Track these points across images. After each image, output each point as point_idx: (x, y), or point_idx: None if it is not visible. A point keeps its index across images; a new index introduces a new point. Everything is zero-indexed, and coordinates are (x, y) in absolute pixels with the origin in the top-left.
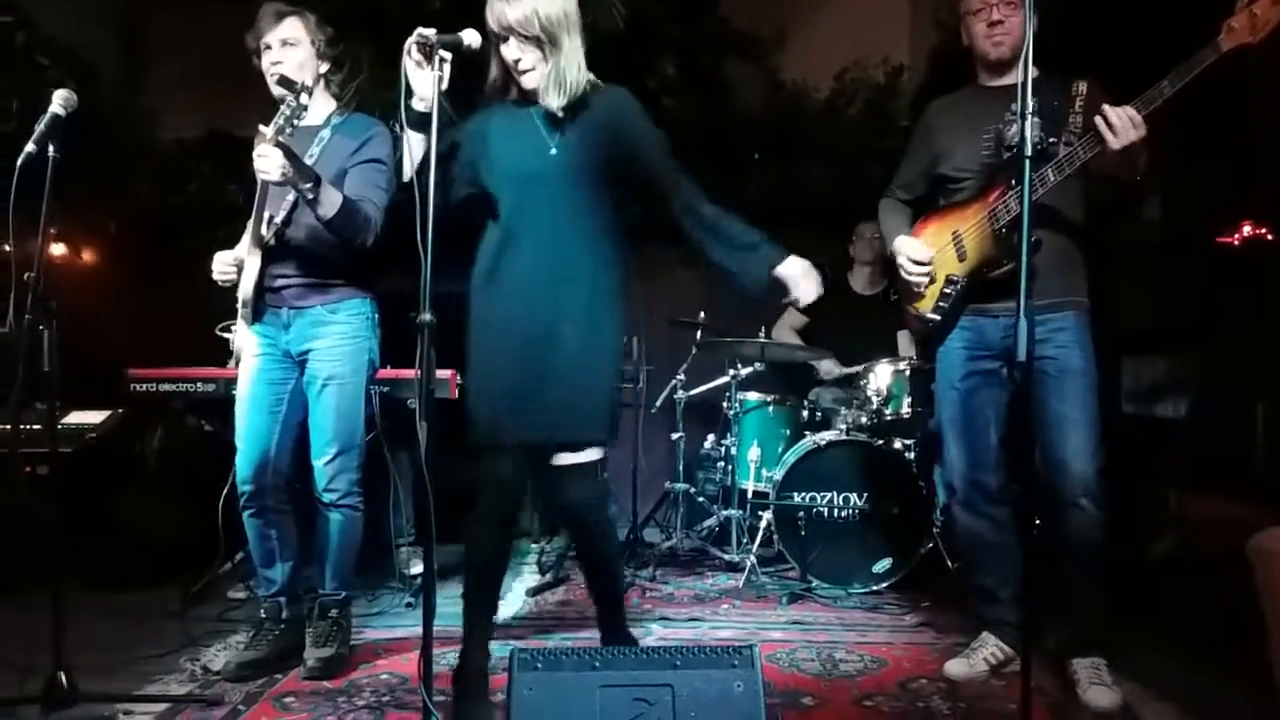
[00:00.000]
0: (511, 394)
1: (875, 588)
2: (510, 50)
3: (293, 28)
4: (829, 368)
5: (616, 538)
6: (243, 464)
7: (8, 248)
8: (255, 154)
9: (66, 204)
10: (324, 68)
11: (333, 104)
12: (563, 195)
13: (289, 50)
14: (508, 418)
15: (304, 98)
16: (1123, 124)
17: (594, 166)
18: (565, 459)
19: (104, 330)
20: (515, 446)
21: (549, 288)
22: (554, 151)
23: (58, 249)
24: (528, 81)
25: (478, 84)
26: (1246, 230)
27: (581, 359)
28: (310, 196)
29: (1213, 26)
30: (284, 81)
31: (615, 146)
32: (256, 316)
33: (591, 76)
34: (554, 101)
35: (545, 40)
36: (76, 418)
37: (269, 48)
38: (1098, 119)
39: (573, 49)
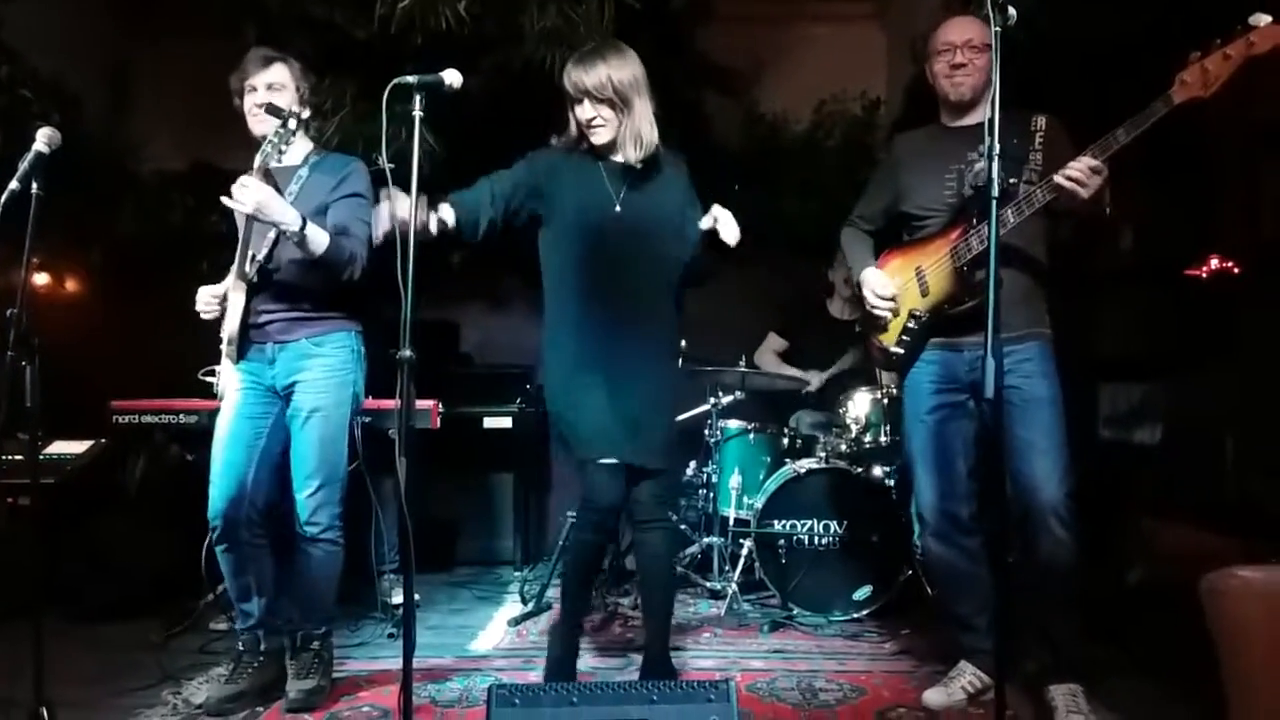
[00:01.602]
0: (601, 420)
1: (856, 615)
2: (585, 110)
3: (280, 73)
4: (813, 380)
5: (675, 541)
6: (216, 498)
7: None
8: (236, 186)
9: (49, 234)
10: (306, 113)
11: (309, 145)
12: (627, 247)
13: (274, 94)
14: (600, 439)
15: (291, 123)
16: (1087, 175)
17: (653, 223)
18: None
19: (86, 360)
20: (610, 465)
21: (622, 326)
22: (619, 209)
23: (40, 278)
24: (599, 136)
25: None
26: (1214, 264)
27: (647, 394)
28: (296, 240)
29: (1168, 65)
30: (272, 109)
31: (670, 208)
32: (241, 354)
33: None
34: (631, 155)
35: (618, 101)
36: (58, 448)
37: (254, 90)
38: (1063, 180)
39: (644, 108)
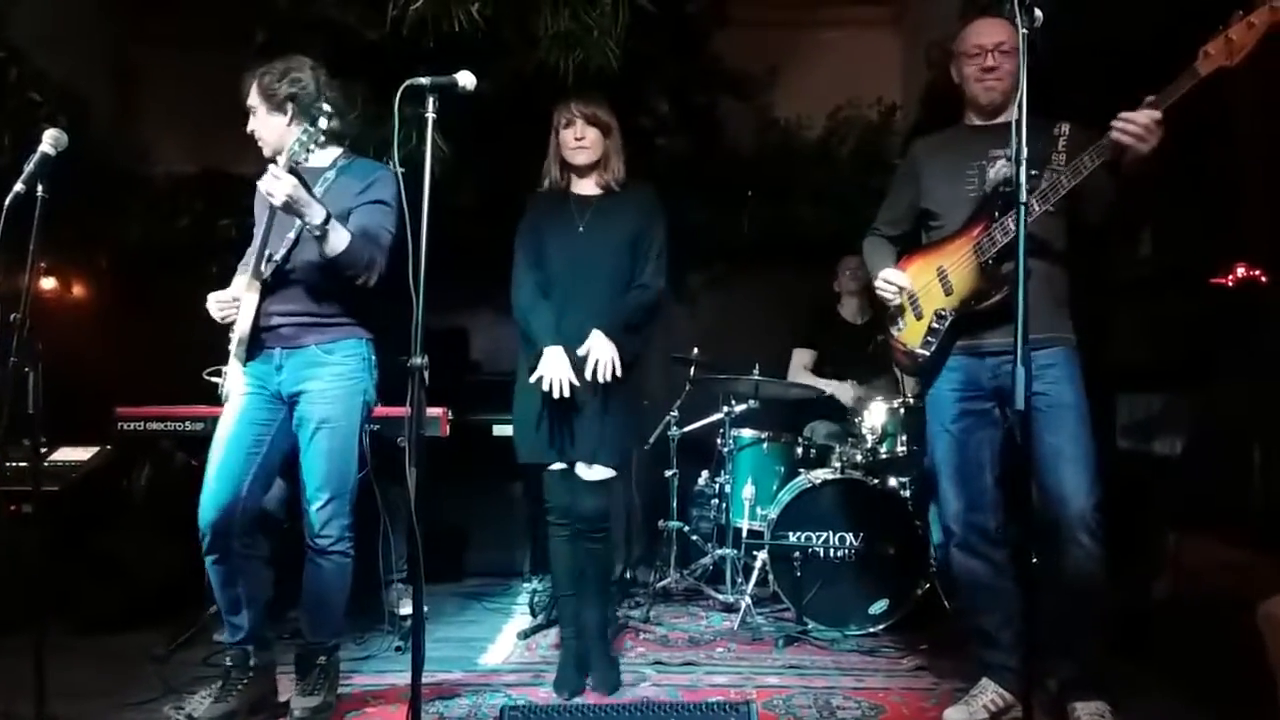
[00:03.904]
0: (542, 424)
1: (872, 630)
2: (576, 130)
3: (252, 94)
4: (847, 393)
5: (611, 552)
6: (208, 505)
7: None
8: (266, 176)
9: (57, 238)
10: (285, 117)
11: (337, 150)
12: (587, 263)
13: (252, 118)
14: (541, 443)
15: (322, 122)
16: (1147, 126)
17: (611, 243)
18: (582, 474)
19: (93, 366)
20: (555, 466)
21: (574, 336)
22: (581, 229)
23: (47, 283)
24: (581, 156)
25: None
26: (1240, 272)
27: (594, 396)
28: (318, 233)
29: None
30: (300, 104)
31: (625, 232)
32: (250, 356)
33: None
34: (603, 178)
35: (601, 128)
36: (64, 454)
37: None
38: (1117, 127)
39: (619, 143)
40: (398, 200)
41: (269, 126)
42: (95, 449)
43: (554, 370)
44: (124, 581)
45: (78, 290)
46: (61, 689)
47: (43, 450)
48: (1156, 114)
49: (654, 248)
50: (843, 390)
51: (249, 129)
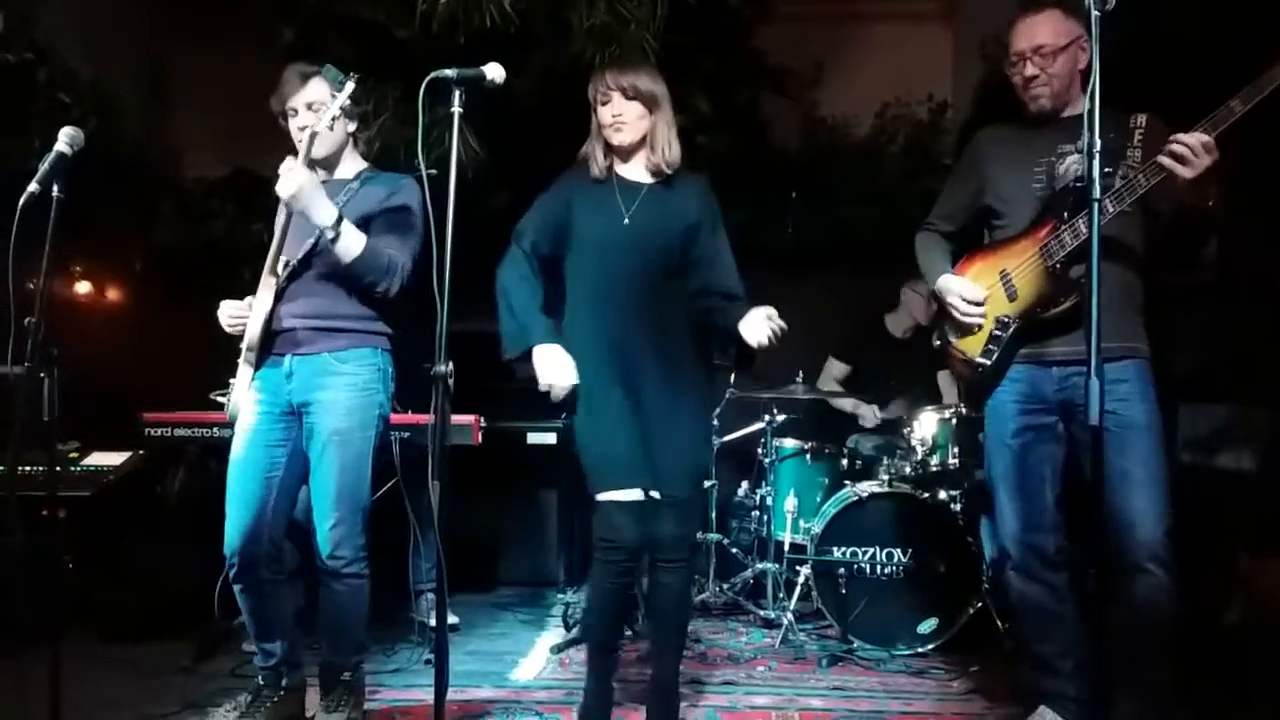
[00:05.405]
0: (616, 449)
1: (920, 649)
2: (613, 107)
3: (318, 90)
4: (869, 415)
5: (692, 578)
6: (232, 534)
7: (31, 286)
8: (283, 167)
9: (91, 242)
10: (352, 126)
11: (363, 163)
12: (634, 259)
13: (316, 115)
14: (613, 470)
15: (349, 86)
16: (1194, 151)
17: (663, 237)
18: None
19: (127, 369)
20: (630, 497)
21: (636, 345)
22: (627, 221)
23: (82, 287)
24: (621, 136)
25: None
26: None
27: (668, 413)
28: (331, 235)
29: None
30: (329, 74)
31: (681, 225)
32: (260, 362)
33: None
34: (648, 160)
35: (646, 102)
36: (97, 459)
37: (295, 112)
38: (1165, 157)
39: (668, 120)
40: (423, 207)
41: (340, 128)
42: (128, 454)
43: (556, 378)
44: (154, 589)
45: (112, 294)
46: (81, 700)
47: (74, 455)
48: (1204, 137)
49: (723, 244)
50: (864, 411)
51: (304, 125)
